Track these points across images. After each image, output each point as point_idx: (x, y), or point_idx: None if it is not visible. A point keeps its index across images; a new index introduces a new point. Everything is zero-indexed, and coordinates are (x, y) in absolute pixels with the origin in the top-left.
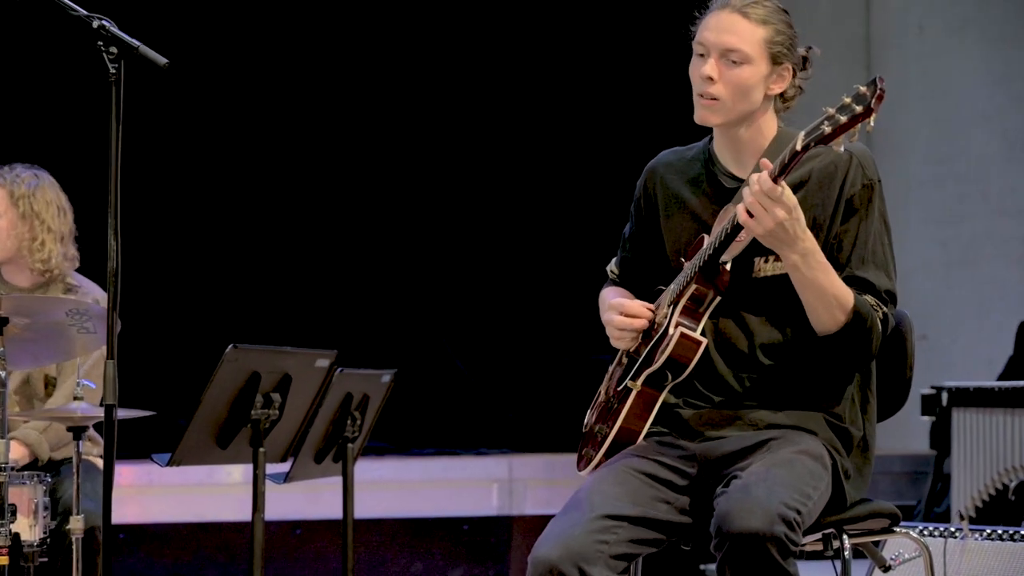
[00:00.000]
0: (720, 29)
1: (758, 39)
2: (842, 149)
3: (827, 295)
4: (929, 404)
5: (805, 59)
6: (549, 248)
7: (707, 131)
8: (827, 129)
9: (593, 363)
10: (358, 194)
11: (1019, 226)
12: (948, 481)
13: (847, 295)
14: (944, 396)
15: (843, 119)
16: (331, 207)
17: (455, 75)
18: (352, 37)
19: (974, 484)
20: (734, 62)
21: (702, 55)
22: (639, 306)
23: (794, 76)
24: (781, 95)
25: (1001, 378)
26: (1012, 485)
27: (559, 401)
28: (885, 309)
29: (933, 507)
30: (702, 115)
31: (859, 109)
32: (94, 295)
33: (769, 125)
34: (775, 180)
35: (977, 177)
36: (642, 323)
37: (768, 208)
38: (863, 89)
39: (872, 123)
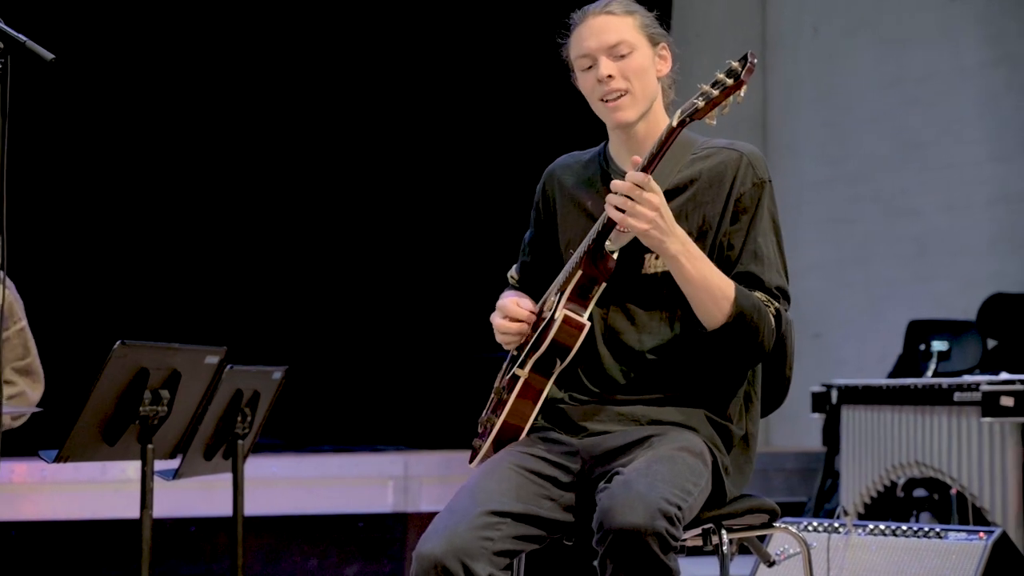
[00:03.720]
0: (597, 32)
1: (632, 26)
2: (714, 123)
3: (711, 285)
4: (819, 402)
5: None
6: (446, 245)
7: (606, 135)
8: (700, 103)
9: (489, 361)
10: (246, 188)
11: (910, 226)
12: (838, 478)
13: (728, 284)
14: (834, 394)
15: (715, 93)
16: (218, 201)
17: (354, 76)
18: (233, 31)
19: (863, 481)
20: (623, 55)
21: (590, 67)
22: (520, 309)
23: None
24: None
25: (891, 376)
26: (900, 482)
27: (455, 398)
28: (777, 304)
29: (823, 503)
30: (618, 115)
31: (730, 82)
32: None
33: (661, 120)
34: (648, 166)
35: (869, 178)
36: (520, 326)
37: (639, 199)
38: (735, 64)
39: (742, 94)
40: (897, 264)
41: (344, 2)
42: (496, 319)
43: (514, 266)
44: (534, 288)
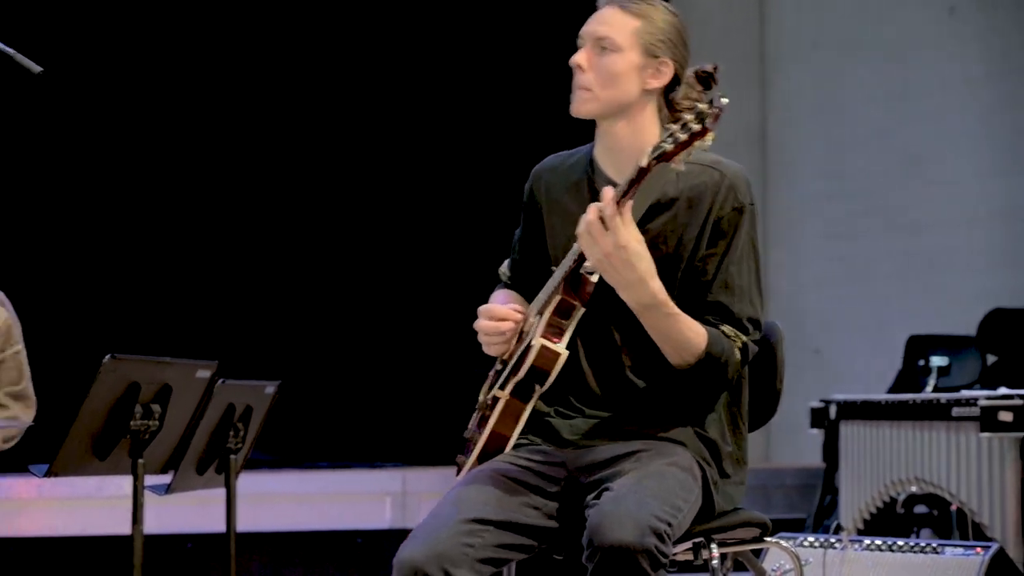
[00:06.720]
0: (596, 20)
1: (630, 29)
2: (683, 167)
3: (672, 341)
4: (818, 417)
5: (710, 76)
6: (444, 258)
7: (593, 135)
8: (668, 147)
9: (487, 376)
10: (238, 201)
11: (912, 242)
12: (838, 494)
13: (697, 340)
14: (832, 409)
15: (683, 137)
16: (209, 214)
17: (346, 96)
18: (221, 47)
19: (862, 497)
20: (604, 48)
21: (580, 47)
22: (506, 309)
23: (678, 79)
24: (670, 104)
25: (890, 392)
26: (900, 498)
27: (453, 414)
28: (745, 338)
29: (823, 519)
30: (573, 106)
31: (697, 128)
32: None
33: (650, 131)
34: (620, 200)
35: (869, 192)
36: (508, 326)
37: (597, 238)
38: (703, 107)
39: (710, 141)
40: (897, 279)
41: (327, 22)
42: (480, 322)
43: (505, 262)
44: (525, 285)
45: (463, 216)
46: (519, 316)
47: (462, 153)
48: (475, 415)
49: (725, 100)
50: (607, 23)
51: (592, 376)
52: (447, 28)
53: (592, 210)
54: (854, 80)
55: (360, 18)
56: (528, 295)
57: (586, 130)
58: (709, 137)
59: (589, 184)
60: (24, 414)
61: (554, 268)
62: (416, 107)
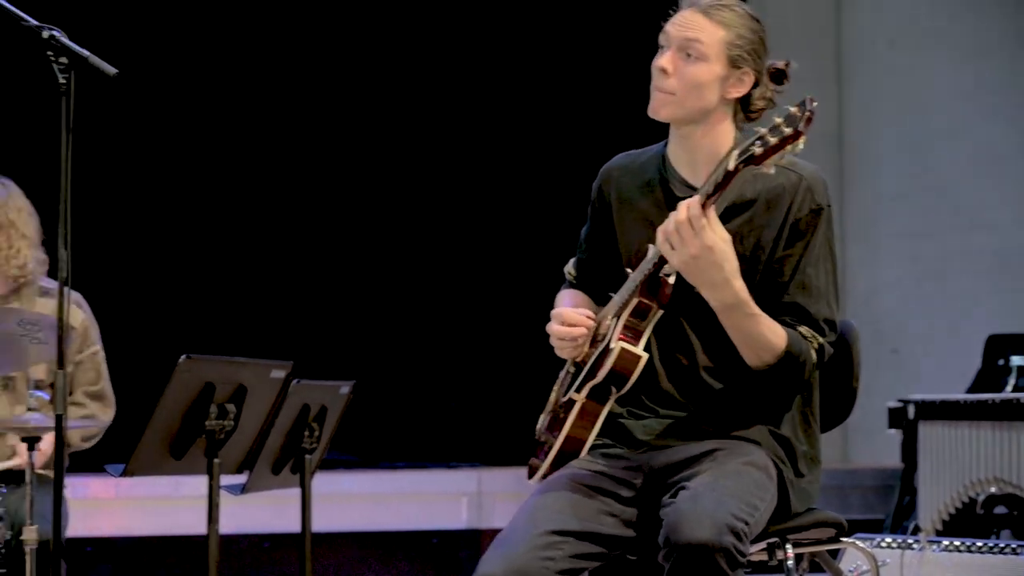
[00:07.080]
0: (683, 24)
1: (718, 39)
2: (772, 171)
3: (752, 341)
4: (896, 417)
5: (782, 72)
6: (518, 259)
7: (663, 134)
8: (757, 150)
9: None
10: (315, 202)
11: (989, 240)
12: (916, 495)
13: (777, 341)
14: (911, 409)
15: (773, 140)
16: (289, 215)
17: (402, 78)
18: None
19: (941, 497)
20: (689, 55)
21: (663, 47)
22: (578, 315)
23: (756, 84)
24: (746, 107)
25: (970, 391)
26: (980, 499)
27: (529, 414)
28: (821, 339)
29: (901, 520)
30: (652, 107)
31: (788, 131)
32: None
33: (726, 133)
34: (705, 204)
35: (947, 191)
36: (580, 331)
37: (686, 240)
38: (794, 110)
39: (802, 145)
40: (976, 278)
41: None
42: (552, 326)
43: (571, 260)
44: (592, 284)
45: (536, 216)
46: (590, 323)
47: (535, 155)
48: (545, 416)
49: (816, 103)
50: (695, 29)
51: (665, 376)
52: (517, 28)
53: (682, 210)
54: (931, 77)
55: (432, 16)
56: (595, 294)
57: (649, 127)
58: (801, 141)
59: (662, 183)
60: (102, 413)
61: (629, 270)
62: (478, 108)
